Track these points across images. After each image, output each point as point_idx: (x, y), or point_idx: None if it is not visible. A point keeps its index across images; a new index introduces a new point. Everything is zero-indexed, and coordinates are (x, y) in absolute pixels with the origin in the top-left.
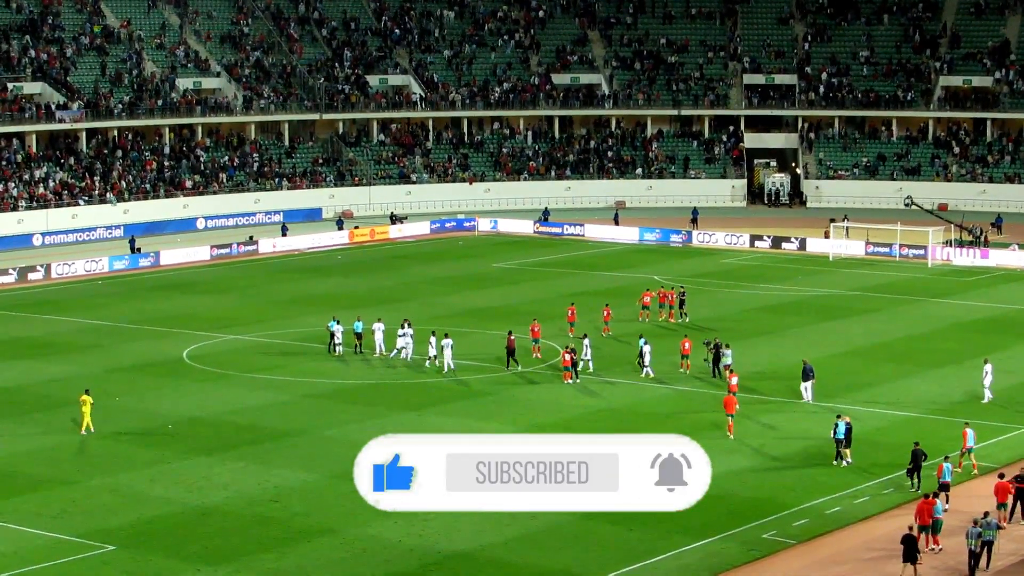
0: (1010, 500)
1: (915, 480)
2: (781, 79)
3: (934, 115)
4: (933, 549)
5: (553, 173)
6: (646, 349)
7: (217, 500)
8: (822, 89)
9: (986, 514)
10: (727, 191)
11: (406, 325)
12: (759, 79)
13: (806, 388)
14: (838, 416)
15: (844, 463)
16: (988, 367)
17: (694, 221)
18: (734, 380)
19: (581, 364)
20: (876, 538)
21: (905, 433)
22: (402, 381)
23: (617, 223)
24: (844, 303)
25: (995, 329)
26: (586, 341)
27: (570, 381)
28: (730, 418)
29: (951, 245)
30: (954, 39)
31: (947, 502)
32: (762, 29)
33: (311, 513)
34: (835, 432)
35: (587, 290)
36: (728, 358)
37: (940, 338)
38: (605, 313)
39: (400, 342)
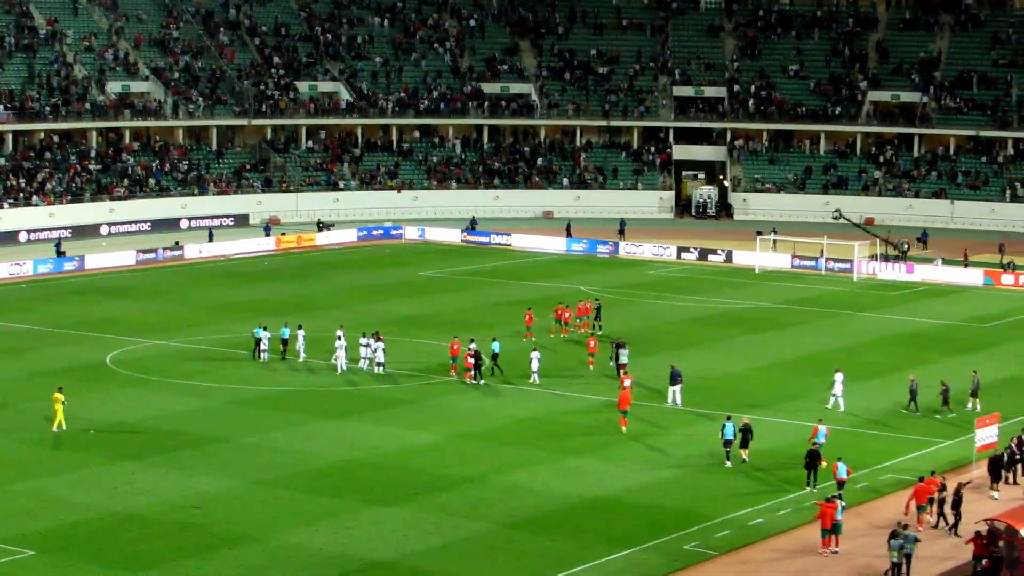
0: (941, 499)
1: (813, 479)
2: (711, 91)
3: (862, 129)
4: (834, 552)
5: (482, 182)
6: (534, 356)
7: (139, 506)
8: (751, 102)
9: (905, 526)
10: (655, 203)
11: (342, 334)
12: (688, 91)
13: (674, 392)
14: (727, 417)
15: (741, 462)
16: (838, 376)
17: (621, 232)
18: (627, 382)
19: (533, 376)
20: (798, 549)
21: (828, 445)
22: (328, 388)
23: (569, 234)
24: (770, 316)
25: (919, 343)
26: (535, 354)
27: (471, 382)
28: (623, 414)
29: (877, 259)
30: (883, 54)
31: (841, 500)
32: (692, 42)
33: (233, 520)
34: (723, 433)
35: (514, 299)
36: (624, 358)
37: (865, 352)
38: (527, 318)
39: (339, 352)
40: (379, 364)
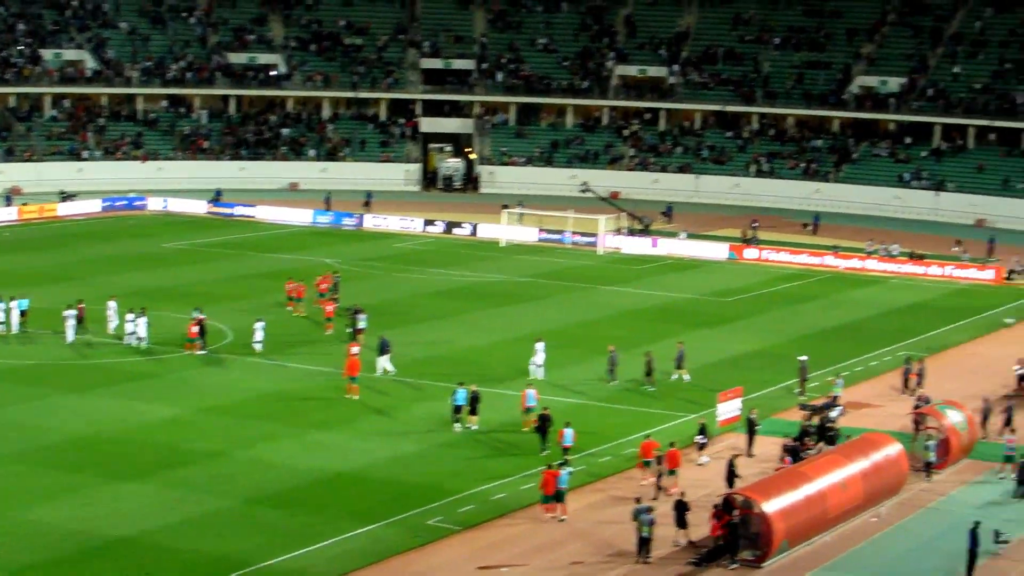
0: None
1: (544, 443)
2: (459, 64)
3: (609, 103)
4: (561, 519)
5: (228, 154)
6: (258, 325)
7: None
8: (500, 75)
9: (639, 500)
10: (401, 175)
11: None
12: (437, 64)
13: (383, 361)
14: (459, 384)
15: (469, 428)
16: (539, 345)
17: (367, 204)
18: (355, 349)
19: (258, 346)
20: (542, 523)
21: (574, 418)
22: (69, 362)
23: (328, 207)
24: (515, 289)
25: (662, 317)
26: (259, 324)
27: (198, 352)
28: (351, 381)
29: (622, 233)
30: (631, 29)
31: (567, 466)
32: (442, 14)
33: None
34: (454, 399)
35: (259, 272)
36: (362, 323)
37: (609, 325)
38: (289, 288)
39: (129, 327)
40: (140, 338)
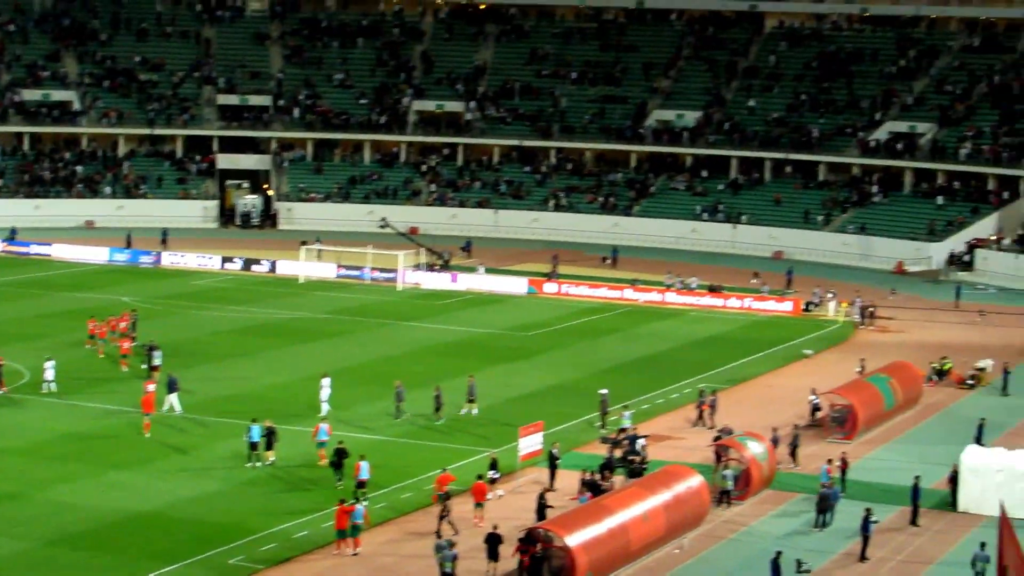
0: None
1: (339, 476)
2: (256, 100)
3: (407, 139)
4: (354, 554)
5: (22, 191)
6: (48, 364)
7: None
8: (297, 111)
9: (438, 535)
10: (199, 212)
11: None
12: (234, 100)
13: (172, 399)
14: (253, 420)
15: (266, 464)
16: (325, 381)
17: (164, 242)
18: (151, 387)
19: (45, 386)
20: (343, 559)
21: (374, 454)
22: None
23: (129, 245)
24: (315, 326)
25: (462, 352)
26: (49, 363)
27: None
28: (147, 418)
29: (421, 269)
30: (428, 64)
31: (365, 500)
32: (237, 50)
33: None
34: (249, 435)
35: (57, 311)
36: (157, 360)
37: (408, 361)
38: (91, 327)
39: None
40: None
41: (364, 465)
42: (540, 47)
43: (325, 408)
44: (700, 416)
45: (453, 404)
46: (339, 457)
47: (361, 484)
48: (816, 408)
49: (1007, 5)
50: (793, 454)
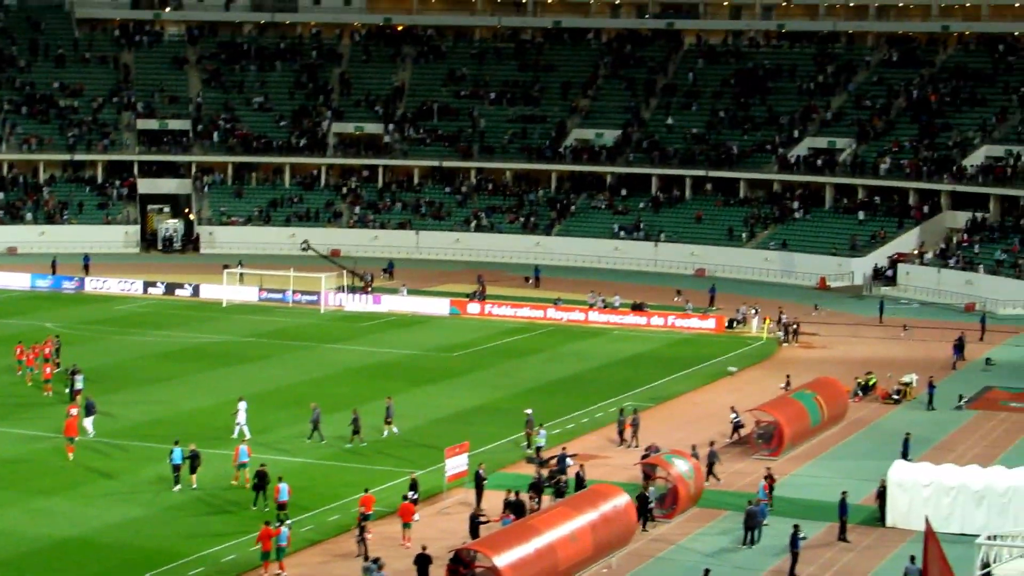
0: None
1: (261, 499)
2: (175, 124)
3: (326, 161)
4: (279, 574)
5: None
6: None
7: None
8: (216, 135)
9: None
10: (121, 237)
11: None
12: (153, 124)
13: (88, 423)
14: (175, 443)
15: (191, 487)
16: (242, 404)
17: (86, 267)
18: (74, 411)
19: None
20: None
21: (299, 477)
22: None
23: (55, 271)
24: (238, 349)
25: (385, 374)
26: None
27: None
28: (69, 442)
29: (343, 291)
30: (347, 86)
31: (289, 522)
32: (156, 75)
33: None
34: (171, 458)
35: None
36: (79, 383)
37: (332, 383)
38: (18, 352)
39: None
40: None
41: (283, 487)
42: (458, 68)
43: (241, 431)
44: (621, 436)
45: (375, 427)
46: (260, 480)
47: (282, 506)
48: (738, 425)
49: (924, 19)
50: (710, 471)
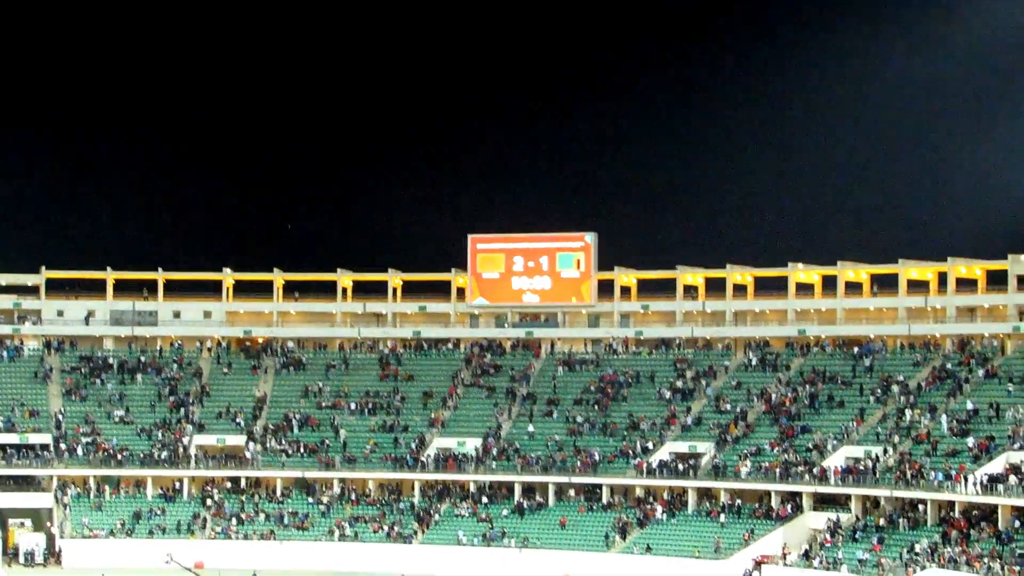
0: None
1: None
2: (35, 438)
3: (189, 473)
4: None
5: None
6: None
7: None
8: (79, 448)
9: None
10: None
11: None
12: (13, 438)
13: None
14: None
15: None
16: None
17: None
18: None
19: None
20: None
21: None
22: None
23: None
24: None
25: None
26: None
27: None
28: None
29: None
30: (207, 398)
31: None
32: (16, 389)
33: None
34: None
35: None
36: None
37: None
38: None
39: None
40: None
41: None
42: (315, 381)
43: None
44: None
45: None
46: None
47: None
48: None
49: (780, 324)
50: None
